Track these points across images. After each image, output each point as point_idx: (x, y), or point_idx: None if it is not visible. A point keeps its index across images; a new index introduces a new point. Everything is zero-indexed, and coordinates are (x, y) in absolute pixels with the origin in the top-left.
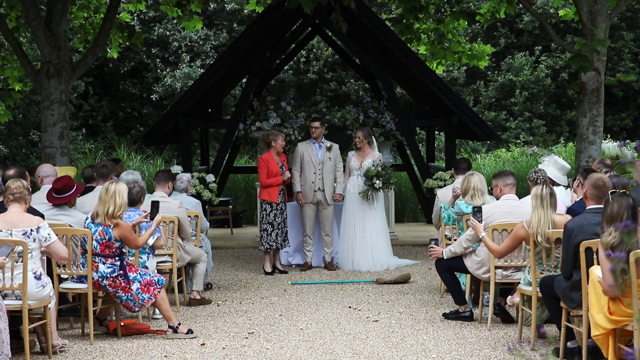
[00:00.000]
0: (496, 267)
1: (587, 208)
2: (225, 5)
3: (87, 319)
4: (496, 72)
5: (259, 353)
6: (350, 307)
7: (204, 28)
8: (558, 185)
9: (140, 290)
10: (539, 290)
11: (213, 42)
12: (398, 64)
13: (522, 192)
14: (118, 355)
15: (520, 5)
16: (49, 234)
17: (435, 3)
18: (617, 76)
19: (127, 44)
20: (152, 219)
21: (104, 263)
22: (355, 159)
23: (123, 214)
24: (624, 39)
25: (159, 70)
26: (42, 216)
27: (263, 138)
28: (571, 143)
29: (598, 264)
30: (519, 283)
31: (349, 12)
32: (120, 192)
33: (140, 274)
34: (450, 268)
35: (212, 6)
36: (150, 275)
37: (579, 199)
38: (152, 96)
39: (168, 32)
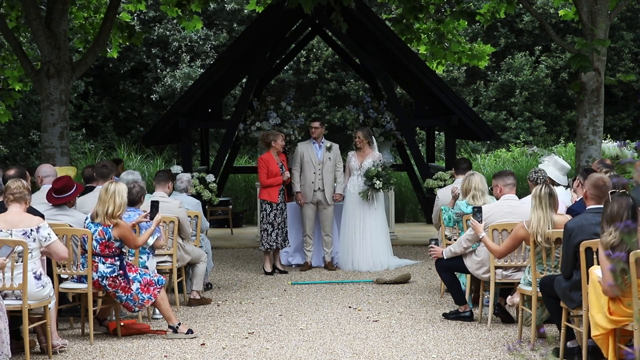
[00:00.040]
0: (496, 267)
1: (587, 208)
2: (225, 5)
3: (87, 319)
4: (496, 72)
5: (259, 353)
6: (350, 307)
7: (204, 28)
8: (558, 185)
9: (140, 290)
10: (539, 290)
11: (213, 42)
12: (398, 64)
13: (522, 192)
14: (118, 355)
15: (520, 5)
16: (49, 234)
17: (435, 3)
18: (617, 76)
19: (127, 44)
20: (151, 218)
21: (103, 263)
22: (355, 159)
23: (123, 214)
24: (624, 39)
25: (159, 70)
26: (42, 216)
27: (263, 138)
28: (571, 143)
29: (598, 264)
30: (519, 283)
31: (349, 12)
32: (119, 192)
33: (140, 273)
34: (450, 268)
35: (212, 6)
36: (150, 275)
37: (579, 199)
38: (152, 96)
39: (168, 32)
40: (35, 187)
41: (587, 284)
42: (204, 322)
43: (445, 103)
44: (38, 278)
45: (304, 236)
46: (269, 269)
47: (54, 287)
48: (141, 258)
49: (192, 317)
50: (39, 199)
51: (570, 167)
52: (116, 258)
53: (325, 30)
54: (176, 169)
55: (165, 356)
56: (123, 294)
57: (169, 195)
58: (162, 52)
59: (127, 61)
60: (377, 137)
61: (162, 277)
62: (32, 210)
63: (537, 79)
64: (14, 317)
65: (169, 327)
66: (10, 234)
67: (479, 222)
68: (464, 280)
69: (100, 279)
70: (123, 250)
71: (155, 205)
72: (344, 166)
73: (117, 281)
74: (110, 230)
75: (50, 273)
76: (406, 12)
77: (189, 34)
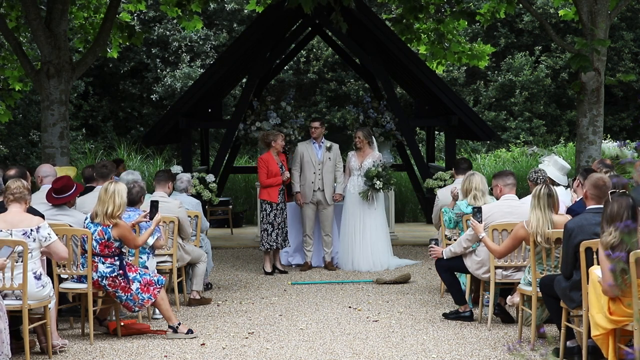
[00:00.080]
0: (496, 267)
1: (587, 208)
2: (225, 5)
3: (87, 319)
4: (496, 72)
5: (259, 353)
6: (350, 307)
7: (204, 28)
8: (558, 185)
9: (140, 290)
10: (539, 290)
11: (213, 42)
12: (398, 64)
13: (522, 192)
14: (118, 355)
15: (520, 5)
16: (49, 234)
17: (435, 3)
18: (617, 76)
19: (127, 44)
20: (151, 218)
21: (103, 263)
22: (356, 159)
23: (122, 213)
24: (624, 39)
25: (159, 70)
26: (42, 216)
27: (263, 138)
28: (571, 143)
29: (598, 264)
30: (519, 283)
31: (349, 12)
32: (119, 192)
33: (140, 273)
34: (450, 268)
35: (212, 6)
36: (150, 275)
37: (579, 199)
38: (152, 96)
39: (168, 32)
40: (35, 187)
41: (587, 284)
42: (204, 322)
43: (445, 103)
44: (38, 278)
45: (304, 236)
46: (269, 269)
47: (54, 287)
48: (141, 258)
49: (192, 317)
50: (39, 199)
51: (570, 167)
52: (116, 258)
53: (325, 30)
54: (176, 169)
55: (165, 356)
56: (123, 294)
57: (169, 195)
58: (162, 52)
59: (127, 61)
60: (377, 137)
61: (162, 277)
62: (32, 210)
63: (537, 79)
64: (14, 317)
65: (169, 327)
66: (10, 234)
67: (479, 222)
68: (464, 280)
69: (100, 279)
70: (123, 250)
71: (154, 205)
72: (344, 166)
73: (117, 281)
74: (109, 230)
75: (50, 273)
76: (406, 12)
77: (189, 34)
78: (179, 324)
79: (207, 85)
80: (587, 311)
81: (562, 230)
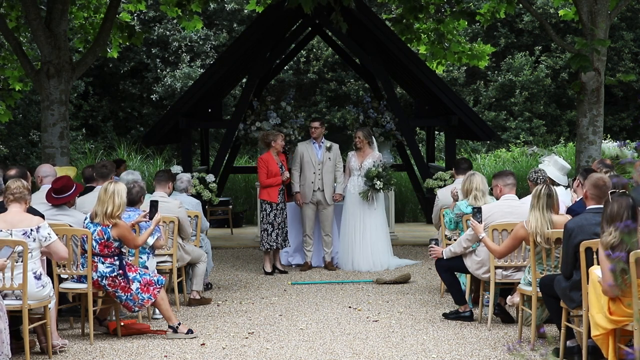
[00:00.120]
0: (496, 267)
1: (587, 208)
2: (225, 5)
3: (87, 319)
4: (496, 72)
5: (259, 353)
6: (350, 307)
7: (204, 28)
8: (558, 185)
9: (139, 290)
10: (539, 290)
11: (213, 42)
12: (398, 64)
13: (522, 192)
14: (118, 355)
15: (520, 5)
16: (49, 234)
17: (435, 3)
18: (617, 76)
19: (127, 44)
20: (151, 218)
21: (103, 263)
22: (356, 159)
23: (122, 213)
24: (624, 39)
25: (159, 70)
26: (42, 216)
27: (263, 138)
28: (571, 143)
29: (598, 264)
30: (519, 283)
31: (349, 12)
32: (119, 192)
33: (139, 273)
34: (450, 268)
35: (212, 6)
36: (149, 275)
37: (579, 199)
38: (152, 96)
39: (168, 32)
40: (35, 187)
41: (587, 284)
42: (204, 322)
43: (445, 103)
44: (38, 278)
45: (304, 236)
46: (269, 269)
47: (54, 287)
48: (141, 258)
49: (192, 317)
50: (39, 199)
51: (570, 167)
52: (115, 258)
53: (325, 30)
54: (176, 169)
55: (165, 356)
56: (123, 294)
57: (169, 195)
58: (162, 52)
59: (127, 61)
60: (377, 137)
61: (161, 277)
62: (32, 210)
63: (537, 79)
64: (14, 317)
65: (169, 327)
66: (10, 234)
67: (479, 222)
68: (464, 280)
69: (99, 279)
70: (122, 250)
71: (154, 205)
72: (344, 166)
73: (117, 281)
74: (109, 230)
75: (50, 273)
76: (406, 12)
77: (189, 34)
78: (179, 324)
79: (207, 85)
80: (587, 311)
81: (562, 230)
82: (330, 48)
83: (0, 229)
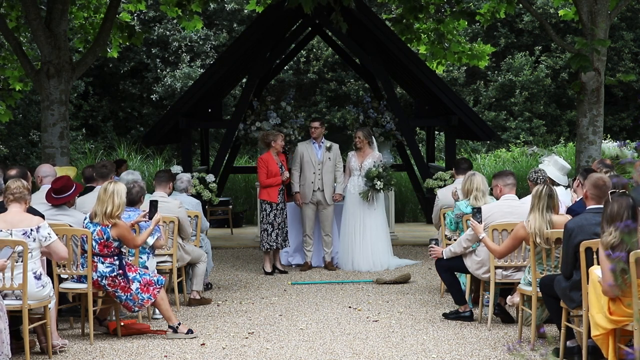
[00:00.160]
0: (496, 267)
1: (587, 208)
2: (225, 5)
3: (87, 319)
4: (496, 72)
5: (259, 353)
6: (350, 307)
7: (204, 28)
8: (558, 185)
9: (139, 290)
10: (539, 290)
11: (213, 42)
12: (398, 64)
13: (522, 192)
14: (118, 355)
15: (520, 5)
16: (49, 234)
17: (435, 3)
18: (617, 76)
19: (127, 44)
20: (150, 218)
21: (102, 262)
22: (356, 159)
23: (121, 213)
24: (624, 39)
25: (159, 70)
26: (42, 216)
27: (262, 138)
28: (571, 143)
29: (598, 264)
30: (519, 283)
31: (349, 12)
32: (118, 192)
33: (139, 273)
34: (450, 268)
35: (212, 6)
36: (149, 275)
37: (579, 199)
38: (152, 96)
39: (168, 32)
40: (35, 187)
41: (587, 284)
42: (204, 322)
43: (445, 103)
44: (38, 278)
45: (304, 236)
46: (269, 269)
47: (54, 287)
48: (141, 258)
49: (192, 317)
50: (39, 199)
51: (570, 167)
52: (115, 258)
53: (325, 30)
54: (176, 169)
55: (165, 356)
56: (123, 294)
57: (169, 195)
58: (162, 52)
59: (127, 61)
60: (377, 137)
61: (161, 277)
62: (32, 210)
63: (537, 79)
64: (14, 317)
65: (169, 327)
66: (10, 234)
67: (479, 222)
68: (464, 280)
69: (99, 279)
70: (122, 250)
71: (154, 205)
72: (344, 166)
73: (117, 281)
74: (108, 230)
75: (50, 273)
76: (406, 12)
77: (189, 34)
78: (179, 324)
79: (207, 85)
80: (587, 311)
81: (562, 230)
82: (330, 48)
83: (0, 229)
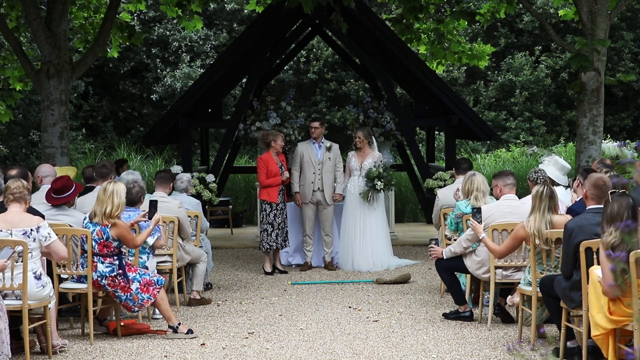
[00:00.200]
0: (496, 267)
1: (587, 208)
2: (225, 5)
3: (87, 319)
4: (496, 72)
5: (259, 353)
6: (350, 307)
7: (204, 28)
8: (558, 185)
9: (139, 290)
10: (539, 290)
11: (213, 42)
12: (398, 64)
13: (522, 192)
14: (118, 355)
15: (520, 5)
16: (49, 234)
17: (435, 3)
18: (617, 76)
19: (127, 44)
20: (150, 218)
21: (102, 262)
22: (356, 159)
23: (121, 213)
24: (624, 39)
25: (159, 70)
26: (42, 216)
27: (262, 138)
28: (571, 143)
29: (598, 264)
30: (519, 283)
31: (349, 12)
32: (118, 192)
33: (139, 273)
34: (450, 268)
35: (212, 6)
36: (149, 275)
37: (579, 199)
38: (152, 96)
39: (168, 32)
40: (35, 187)
41: (587, 284)
42: (204, 322)
43: (445, 103)
44: (38, 278)
45: (304, 236)
46: (269, 269)
47: (54, 287)
48: (141, 258)
49: (192, 317)
50: (39, 199)
51: (570, 167)
52: (115, 257)
53: (325, 30)
54: (176, 169)
55: (165, 356)
56: (122, 294)
57: (169, 195)
58: (162, 52)
59: (127, 61)
60: (377, 137)
61: (161, 277)
62: (32, 210)
63: (537, 79)
64: (14, 317)
65: (169, 327)
66: (10, 234)
67: (479, 222)
68: (464, 280)
69: (99, 279)
70: (122, 249)
71: (153, 205)
72: (344, 166)
73: (117, 281)
74: (108, 230)
75: (50, 273)
76: (406, 12)
77: (189, 34)
78: (179, 324)
79: (207, 85)
80: (587, 311)
81: (562, 230)
82: (330, 48)
83: (0, 229)
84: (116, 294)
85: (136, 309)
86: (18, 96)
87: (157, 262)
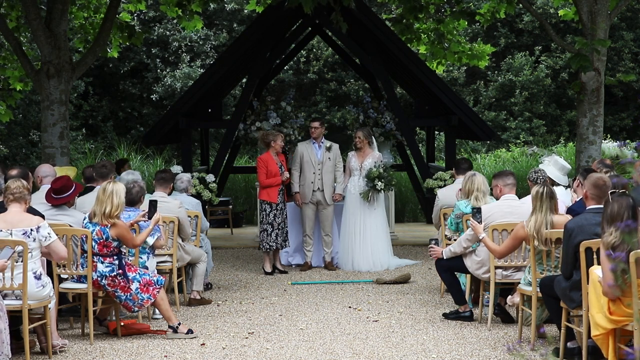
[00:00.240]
0: (496, 267)
1: (587, 208)
2: (225, 5)
3: (87, 319)
4: (496, 72)
5: (259, 353)
6: (350, 307)
7: (204, 28)
8: (558, 185)
9: (139, 290)
10: (539, 290)
11: (213, 42)
12: (398, 64)
13: (522, 192)
14: (118, 355)
15: (520, 5)
16: (49, 234)
17: (435, 3)
18: (617, 76)
19: (127, 44)
20: (150, 217)
21: (102, 262)
22: (356, 159)
23: (120, 213)
24: (624, 39)
25: (159, 70)
26: (42, 216)
27: (262, 138)
28: (571, 143)
29: (598, 264)
30: (519, 283)
31: (349, 12)
32: (117, 192)
33: (139, 273)
34: (450, 268)
35: (212, 6)
36: (149, 275)
37: (579, 199)
38: (152, 96)
39: (168, 32)
40: (35, 187)
41: (587, 284)
42: (204, 322)
43: (445, 103)
44: (38, 278)
45: (304, 236)
46: (269, 269)
47: (54, 287)
48: (141, 258)
49: (192, 317)
50: (39, 199)
51: (570, 167)
52: (114, 257)
53: (325, 30)
54: (176, 169)
55: (165, 356)
56: (122, 294)
57: (169, 195)
58: (162, 52)
59: (127, 61)
60: (377, 137)
61: (161, 277)
62: (32, 210)
63: (537, 79)
64: (14, 317)
65: (169, 327)
66: (10, 234)
67: (479, 222)
68: (464, 280)
69: (99, 279)
70: (122, 249)
71: (153, 205)
72: (344, 166)
73: (117, 281)
74: (107, 229)
75: (50, 273)
76: (406, 12)
77: (189, 34)
78: (179, 324)
79: (207, 85)
80: (587, 311)
81: (562, 230)
82: (330, 48)
83: (0, 229)
84: (116, 294)
85: (136, 309)
86: (18, 96)
87: (157, 262)
